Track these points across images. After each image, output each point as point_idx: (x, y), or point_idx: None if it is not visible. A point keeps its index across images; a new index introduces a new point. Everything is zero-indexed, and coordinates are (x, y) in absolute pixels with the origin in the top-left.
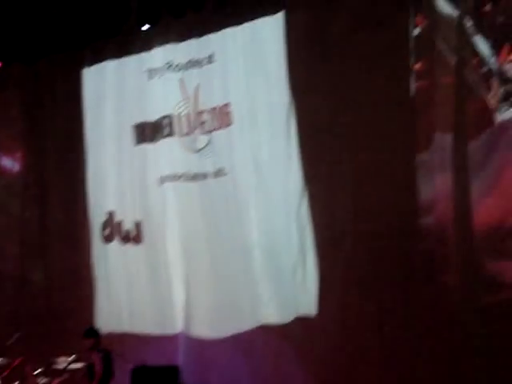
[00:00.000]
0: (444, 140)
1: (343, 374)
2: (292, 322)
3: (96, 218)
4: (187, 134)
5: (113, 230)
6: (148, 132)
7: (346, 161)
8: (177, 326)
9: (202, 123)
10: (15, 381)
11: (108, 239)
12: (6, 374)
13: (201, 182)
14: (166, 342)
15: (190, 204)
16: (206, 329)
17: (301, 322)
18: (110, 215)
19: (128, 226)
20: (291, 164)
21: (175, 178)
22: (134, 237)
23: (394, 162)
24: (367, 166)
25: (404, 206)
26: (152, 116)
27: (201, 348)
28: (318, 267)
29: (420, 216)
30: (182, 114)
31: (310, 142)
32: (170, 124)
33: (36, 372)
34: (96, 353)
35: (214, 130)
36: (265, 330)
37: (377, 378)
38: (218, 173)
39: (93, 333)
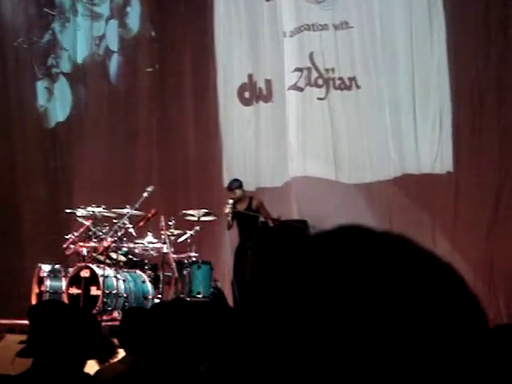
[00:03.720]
0: None
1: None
2: (424, 177)
3: (231, 80)
4: None
5: (252, 92)
6: None
7: None
8: (294, 173)
9: None
10: (149, 231)
11: (247, 102)
12: (141, 224)
13: (321, 32)
14: (283, 193)
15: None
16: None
17: (434, 177)
18: (249, 77)
19: (260, 84)
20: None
21: (298, 30)
22: (264, 95)
23: None
24: None
25: None
26: None
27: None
28: (454, 124)
29: None
30: None
31: None
32: None
33: (169, 223)
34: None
35: None
36: (391, 182)
37: None
38: (342, 25)
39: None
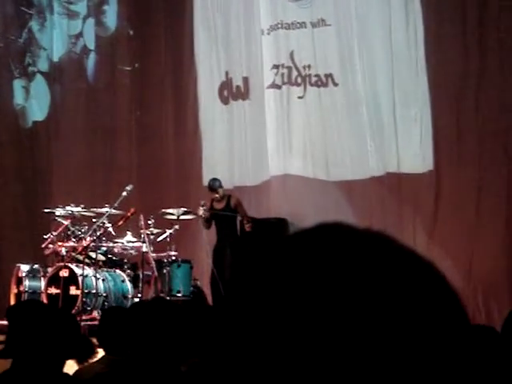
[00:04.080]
0: None
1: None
2: (405, 175)
3: (211, 79)
4: None
5: (230, 91)
6: None
7: None
8: (274, 172)
9: None
10: (129, 231)
11: (225, 101)
12: (120, 224)
13: (299, 30)
14: (261, 192)
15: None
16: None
17: (415, 176)
18: (226, 74)
19: (237, 82)
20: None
21: (275, 27)
22: (242, 93)
23: None
24: None
25: None
26: None
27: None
28: (434, 122)
29: None
30: None
31: None
32: None
33: (149, 222)
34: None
35: None
36: (372, 180)
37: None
38: (319, 23)
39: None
